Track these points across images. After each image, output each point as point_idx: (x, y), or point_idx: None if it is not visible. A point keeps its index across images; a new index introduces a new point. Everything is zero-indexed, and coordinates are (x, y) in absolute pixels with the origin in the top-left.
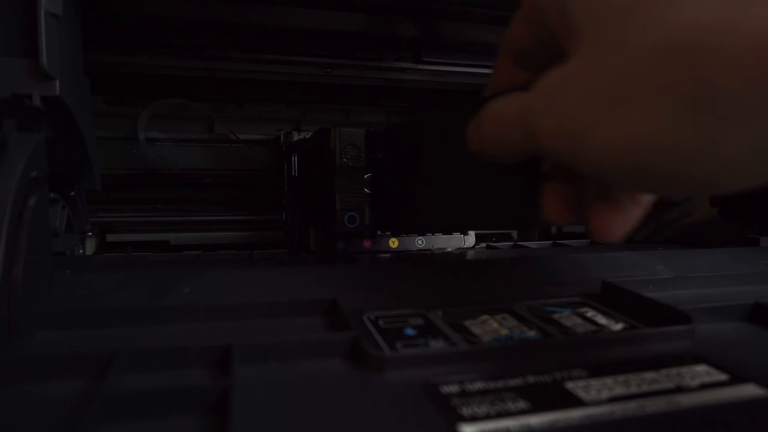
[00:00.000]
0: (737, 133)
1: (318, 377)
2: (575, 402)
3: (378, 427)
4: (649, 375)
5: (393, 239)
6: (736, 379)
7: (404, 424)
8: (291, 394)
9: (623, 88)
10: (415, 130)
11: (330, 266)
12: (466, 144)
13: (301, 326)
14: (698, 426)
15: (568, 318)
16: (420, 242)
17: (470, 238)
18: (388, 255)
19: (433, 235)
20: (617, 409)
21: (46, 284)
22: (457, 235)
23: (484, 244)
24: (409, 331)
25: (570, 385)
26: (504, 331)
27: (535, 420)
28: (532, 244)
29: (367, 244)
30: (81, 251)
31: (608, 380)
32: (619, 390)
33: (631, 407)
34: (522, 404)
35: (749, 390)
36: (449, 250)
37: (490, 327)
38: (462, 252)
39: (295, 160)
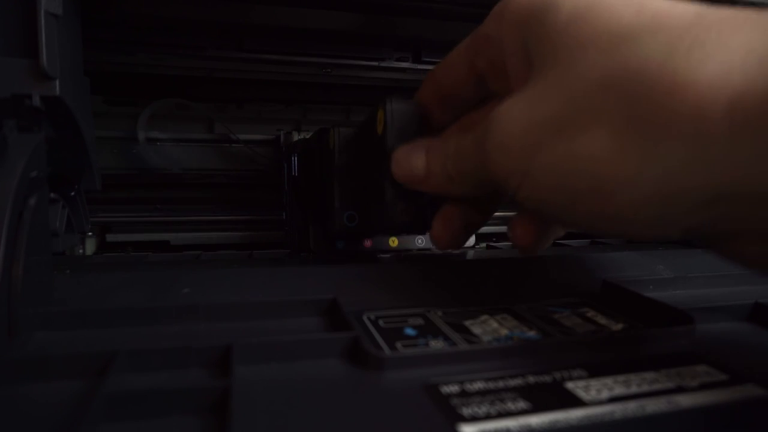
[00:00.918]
0: (659, 158)
1: (318, 377)
2: (575, 402)
3: (378, 427)
4: (649, 375)
5: (393, 239)
6: (736, 379)
7: (404, 424)
8: (291, 394)
9: (566, 116)
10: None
11: (330, 266)
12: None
13: (301, 326)
14: (698, 426)
15: (568, 318)
16: (420, 242)
17: (470, 238)
18: (387, 255)
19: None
20: (617, 409)
21: (46, 284)
22: None
23: (484, 244)
24: (409, 331)
25: (570, 385)
26: (504, 331)
27: (535, 420)
28: None
29: (367, 243)
30: (81, 251)
31: (608, 380)
32: (619, 390)
33: (631, 407)
34: (522, 404)
35: (749, 390)
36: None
37: (490, 327)
38: (462, 252)
39: (295, 160)
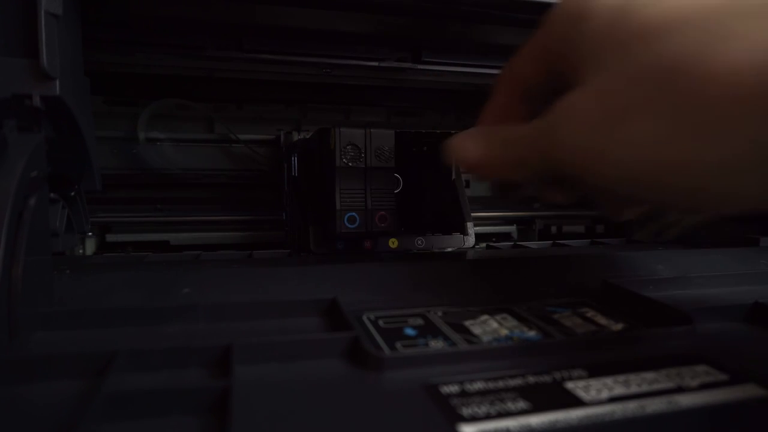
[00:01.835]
0: (711, 141)
1: (318, 377)
2: (575, 402)
3: (378, 428)
4: (649, 375)
5: (393, 239)
6: (736, 379)
7: (404, 424)
8: (291, 394)
9: (624, 107)
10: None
11: (330, 266)
12: (463, 168)
13: (301, 326)
14: (698, 426)
15: (568, 318)
16: (420, 242)
17: (470, 239)
18: (388, 255)
19: (433, 234)
20: (617, 409)
21: (46, 284)
22: (457, 235)
23: (484, 244)
24: (409, 331)
25: (570, 385)
26: (504, 331)
27: (535, 420)
28: (532, 244)
29: (367, 244)
30: (81, 251)
31: (608, 380)
32: (619, 390)
33: (631, 407)
34: (522, 404)
35: (749, 390)
36: (449, 250)
37: (490, 327)
38: (462, 252)
39: (295, 160)
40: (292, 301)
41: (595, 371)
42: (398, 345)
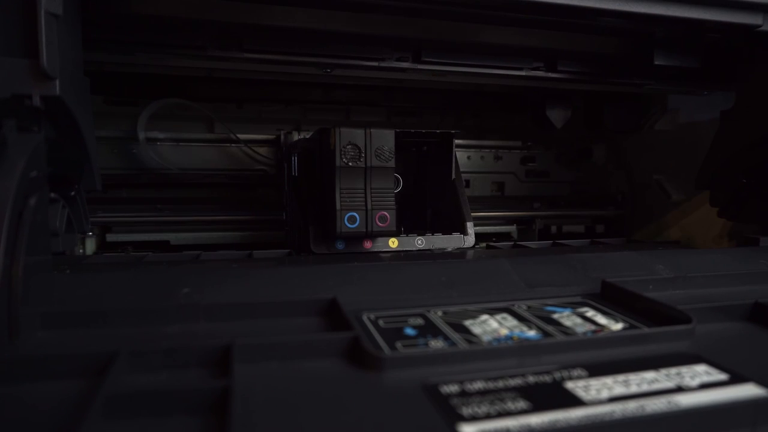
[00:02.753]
0: None
1: (318, 377)
2: (575, 402)
3: (378, 427)
4: (649, 375)
5: (393, 239)
6: (736, 379)
7: (404, 424)
8: (291, 393)
9: None
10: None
11: (330, 266)
12: None
13: (301, 326)
14: (698, 426)
15: (568, 318)
16: (420, 242)
17: (470, 238)
18: (388, 255)
19: (433, 234)
20: (617, 409)
21: (46, 284)
22: (457, 235)
23: (484, 244)
24: (409, 331)
25: (570, 385)
26: (504, 331)
27: (535, 420)
28: (532, 244)
29: (367, 244)
30: (81, 251)
31: (608, 380)
32: (619, 390)
33: (631, 407)
34: (522, 404)
35: (749, 390)
36: (449, 250)
37: (490, 327)
38: (462, 252)
39: (295, 160)
40: (292, 301)
41: (595, 371)
42: (398, 345)
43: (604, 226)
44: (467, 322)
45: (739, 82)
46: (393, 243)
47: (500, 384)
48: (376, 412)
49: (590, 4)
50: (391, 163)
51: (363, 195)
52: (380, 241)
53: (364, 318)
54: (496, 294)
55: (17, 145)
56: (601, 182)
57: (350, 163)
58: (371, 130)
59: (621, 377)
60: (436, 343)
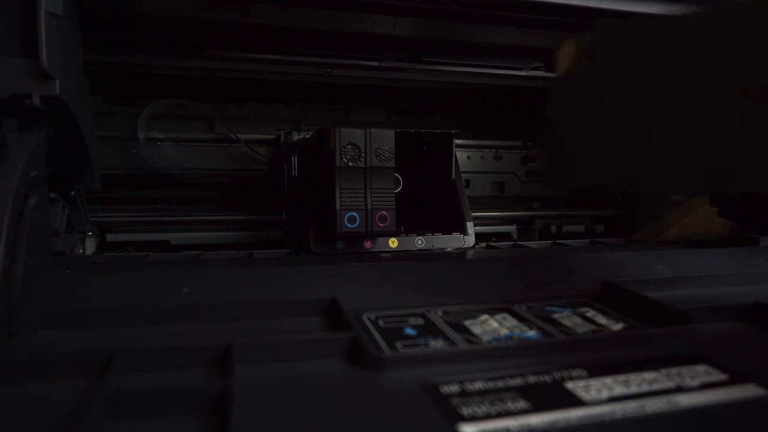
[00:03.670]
0: None
1: (318, 377)
2: (575, 402)
3: (378, 427)
4: (649, 375)
5: (393, 239)
6: (736, 379)
7: (404, 424)
8: (291, 393)
9: None
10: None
11: (330, 266)
12: None
13: (301, 326)
14: (698, 426)
15: (568, 318)
16: (420, 242)
17: (470, 238)
18: (388, 255)
19: (433, 234)
20: (617, 409)
21: (46, 284)
22: (457, 235)
23: (484, 244)
24: (409, 331)
25: (570, 385)
26: (504, 331)
27: (535, 420)
28: (532, 244)
29: (366, 244)
30: (81, 251)
31: (608, 380)
32: (619, 390)
33: (631, 407)
34: (522, 404)
35: (749, 390)
36: (449, 250)
37: (490, 327)
38: (462, 252)
39: (295, 160)
40: (292, 301)
41: (595, 371)
42: (398, 345)
43: (604, 226)
44: (467, 322)
45: None
46: (393, 243)
47: (500, 384)
48: (376, 412)
49: (590, 4)
50: (391, 163)
51: (363, 195)
52: (380, 241)
53: (364, 318)
54: (496, 294)
55: (17, 145)
56: None
57: (350, 163)
58: (371, 130)
59: (621, 377)
60: (436, 343)
